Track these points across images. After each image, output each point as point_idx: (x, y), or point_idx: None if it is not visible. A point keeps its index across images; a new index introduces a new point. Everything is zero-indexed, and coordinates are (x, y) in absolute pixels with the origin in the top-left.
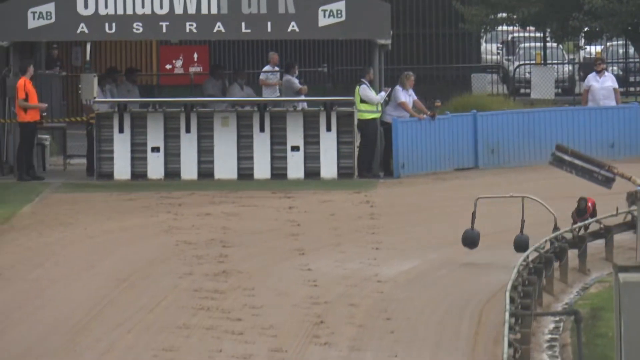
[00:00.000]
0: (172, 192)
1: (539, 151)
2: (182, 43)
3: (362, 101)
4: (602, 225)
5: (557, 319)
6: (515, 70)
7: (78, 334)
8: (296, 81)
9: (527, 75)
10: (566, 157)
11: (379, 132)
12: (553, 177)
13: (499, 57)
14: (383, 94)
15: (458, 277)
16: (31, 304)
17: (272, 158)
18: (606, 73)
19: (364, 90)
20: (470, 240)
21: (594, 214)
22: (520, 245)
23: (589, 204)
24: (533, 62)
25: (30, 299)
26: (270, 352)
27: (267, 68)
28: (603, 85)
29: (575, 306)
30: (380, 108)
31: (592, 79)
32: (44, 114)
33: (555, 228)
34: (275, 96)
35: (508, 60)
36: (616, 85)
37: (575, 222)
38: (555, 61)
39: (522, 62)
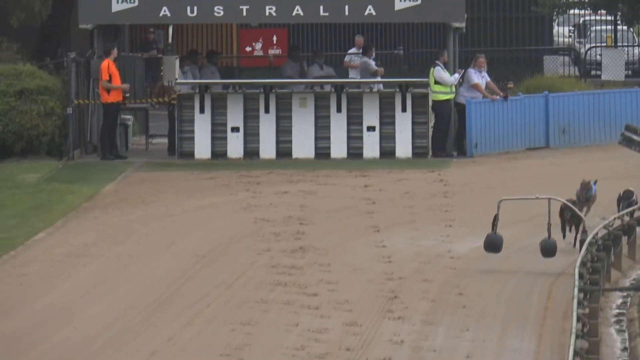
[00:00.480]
0: (251, 171)
1: (608, 131)
2: (262, 26)
3: (436, 83)
4: None
5: (625, 294)
6: (586, 52)
7: (158, 309)
8: (373, 63)
9: (598, 57)
10: (635, 137)
11: (453, 113)
12: (622, 157)
13: (570, 39)
14: (457, 76)
15: (528, 254)
16: (113, 280)
17: (349, 138)
18: None
19: (438, 72)
20: (493, 245)
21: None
22: (548, 250)
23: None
24: (604, 44)
25: (112, 275)
26: (345, 326)
27: (352, 51)
28: None
29: None
30: (453, 89)
31: None
32: (127, 94)
33: (583, 232)
34: (359, 78)
35: (579, 42)
36: None
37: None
38: (626, 44)
39: (593, 45)
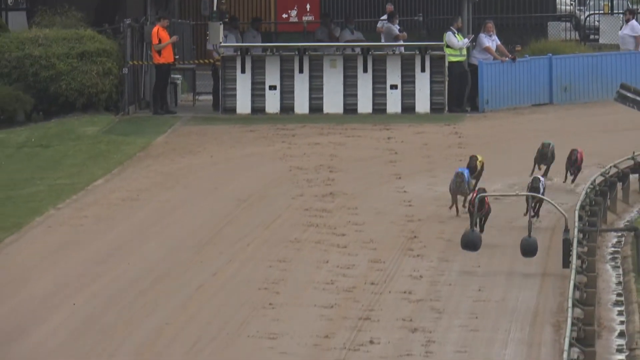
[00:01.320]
0: (287, 124)
1: (605, 89)
2: None
3: (447, 46)
4: None
5: (620, 234)
6: (585, 19)
7: (203, 248)
8: (396, 29)
9: (596, 23)
10: (629, 94)
11: (467, 73)
12: (617, 112)
13: (572, 7)
14: (466, 41)
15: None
16: (163, 221)
17: (374, 95)
18: (630, 22)
19: (449, 36)
20: (471, 243)
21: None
22: (528, 249)
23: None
24: (601, 11)
25: (163, 217)
26: (370, 263)
27: (384, 17)
28: (623, 32)
29: (636, 223)
30: (463, 52)
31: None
32: (177, 56)
33: (566, 230)
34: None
35: (580, 10)
36: (634, 33)
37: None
38: (621, 11)
39: (592, 12)
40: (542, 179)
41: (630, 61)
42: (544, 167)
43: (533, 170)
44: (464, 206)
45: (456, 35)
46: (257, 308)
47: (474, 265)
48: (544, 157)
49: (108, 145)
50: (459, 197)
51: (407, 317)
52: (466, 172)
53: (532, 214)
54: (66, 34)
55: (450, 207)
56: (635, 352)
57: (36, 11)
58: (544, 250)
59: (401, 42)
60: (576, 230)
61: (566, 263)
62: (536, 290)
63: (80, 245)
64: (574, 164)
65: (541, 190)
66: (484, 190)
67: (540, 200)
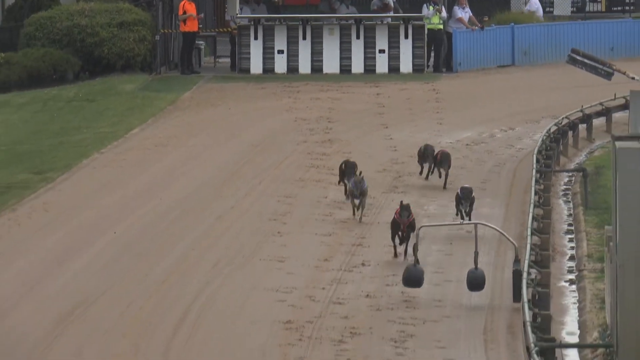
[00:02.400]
0: (292, 82)
1: (559, 53)
2: None
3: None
4: (604, 107)
5: (571, 174)
6: None
7: (223, 185)
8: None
9: None
10: (578, 57)
11: (443, 39)
12: (568, 72)
13: None
14: (432, 12)
15: (499, 143)
16: (189, 163)
17: (365, 58)
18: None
19: (423, 9)
20: (415, 279)
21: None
22: (475, 283)
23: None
24: None
25: (189, 160)
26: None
27: None
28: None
29: (584, 165)
30: (439, 21)
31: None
32: (201, 25)
33: (516, 260)
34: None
35: None
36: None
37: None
38: None
39: None
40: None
41: (580, 29)
42: (426, 167)
43: (422, 171)
44: (361, 217)
45: (429, 7)
46: (267, 236)
47: (449, 200)
48: (427, 156)
49: (143, 100)
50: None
51: (392, 243)
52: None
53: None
54: (108, 7)
55: (354, 207)
56: (583, 273)
57: None
58: (507, 189)
59: (390, 14)
60: (534, 171)
61: (517, 296)
62: (501, 222)
63: (120, 183)
64: (435, 161)
65: (472, 194)
66: (409, 211)
67: (471, 205)
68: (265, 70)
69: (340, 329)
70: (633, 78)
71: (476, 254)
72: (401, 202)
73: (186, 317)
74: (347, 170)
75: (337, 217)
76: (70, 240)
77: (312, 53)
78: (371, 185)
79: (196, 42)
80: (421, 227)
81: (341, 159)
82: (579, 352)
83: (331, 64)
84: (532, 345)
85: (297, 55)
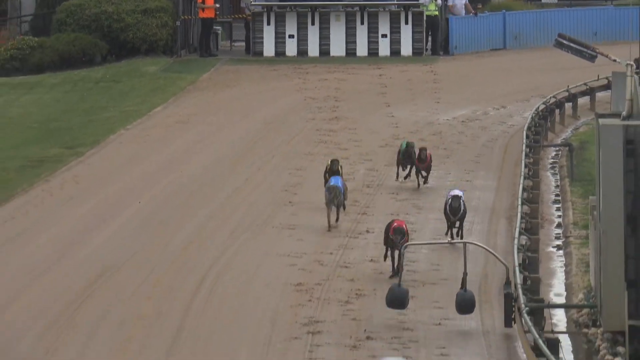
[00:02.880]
0: (302, 64)
1: (547, 37)
2: None
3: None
4: (588, 87)
5: (558, 149)
6: None
7: (239, 159)
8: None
9: None
10: (565, 42)
11: (439, 25)
12: (555, 55)
13: None
14: (427, 0)
15: (492, 120)
16: (208, 139)
17: (369, 42)
18: None
19: None
20: (399, 301)
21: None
22: (464, 306)
23: (428, 155)
24: None
25: (207, 136)
26: (367, 170)
27: None
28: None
29: (570, 140)
30: (435, 8)
31: None
32: (218, 12)
33: (507, 282)
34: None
35: None
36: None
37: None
38: None
39: None
40: (461, 195)
41: (566, 15)
42: (408, 168)
43: (398, 174)
44: (336, 220)
45: None
46: (279, 205)
47: (446, 172)
48: (409, 157)
49: (165, 80)
50: (333, 208)
51: (395, 212)
52: (339, 182)
53: (456, 237)
54: None
55: (329, 218)
56: (569, 239)
57: None
58: (499, 162)
59: (394, 1)
60: (524, 145)
61: (508, 321)
62: (493, 193)
63: (144, 157)
64: (421, 162)
65: (462, 209)
66: (402, 234)
67: (462, 220)
68: (277, 54)
69: (346, 291)
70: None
71: (465, 274)
72: (393, 224)
73: (204, 281)
74: (331, 171)
75: None
76: (98, 210)
77: (320, 37)
78: (374, 159)
79: (213, 27)
80: (406, 244)
81: (347, 135)
82: (566, 312)
83: (338, 47)
84: (523, 305)
85: (307, 40)
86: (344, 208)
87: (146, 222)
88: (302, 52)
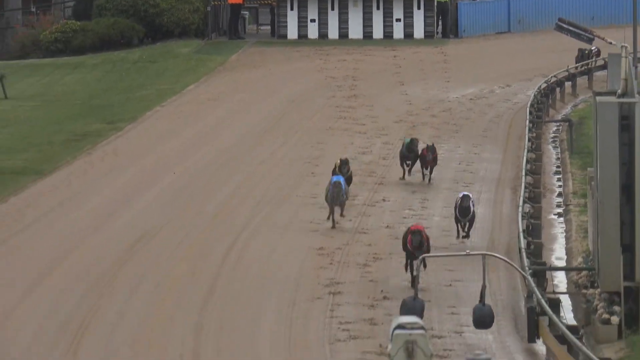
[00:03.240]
0: (323, 47)
1: (548, 21)
2: None
3: None
4: (585, 67)
5: (558, 124)
6: None
7: (264, 134)
8: None
9: None
10: (564, 25)
11: (448, 10)
12: (556, 38)
13: None
14: None
15: (498, 98)
16: (236, 115)
17: (384, 26)
18: None
19: None
20: (412, 311)
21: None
22: (481, 321)
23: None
24: None
25: (236, 112)
26: (382, 144)
27: None
28: None
29: (569, 116)
30: None
31: None
32: None
33: (529, 296)
34: None
35: None
36: None
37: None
38: None
39: None
40: (471, 196)
41: (565, 1)
42: (410, 164)
43: (404, 173)
44: (342, 215)
45: None
46: (302, 176)
47: (456, 145)
48: (413, 153)
49: (197, 61)
50: (336, 207)
51: (409, 181)
52: (342, 180)
53: (463, 234)
54: None
55: (328, 218)
56: (569, 207)
57: None
58: (505, 136)
59: None
60: (527, 121)
61: (532, 337)
62: (499, 164)
63: (178, 132)
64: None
65: (472, 210)
66: (424, 245)
67: (471, 222)
68: (299, 36)
69: (364, 255)
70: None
71: (484, 287)
72: (410, 229)
73: (234, 245)
74: (341, 167)
75: (361, 160)
76: (136, 180)
77: (340, 21)
78: (390, 134)
79: (241, 12)
80: (423, 256)
81: (364, 111)
82: (566, 274)
83: (355, 30)
84: (527, 268)
85: (327, 24)
86: (342, 209)
87: (180, 191)
88: (323, 35)
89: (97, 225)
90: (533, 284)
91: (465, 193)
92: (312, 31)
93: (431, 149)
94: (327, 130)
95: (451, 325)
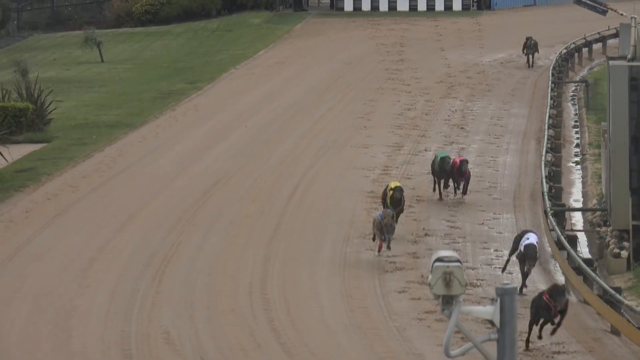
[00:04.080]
0: (374, 17)
1: None
2: None
3: None
4: (600, 35)
5: (577, 84)
6: None
7: (324, 92)
8: None
9: None
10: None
11: None
12: (577, 10)
13: None
14: None
15: (525, 62)
16: (300, 76)
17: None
18: None
19: None
20: None
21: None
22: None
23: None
24: None
25: (300, 74)
26: (425, 102)
27: None
28: None
29: (586, 77)
30: None
31: None
32: None
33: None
34: None
35: None
36: None
37: None
38: None
39: None
40: (536, 243)
41: None
42: (443, 182)
43: (434, 187)
44: (388, 248)
45: None
46: (356, 129)
47: (488, 103)
48: (444, 170)
49: (266, 30)
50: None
51: (447, 134)
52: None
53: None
54: None
55: (374, 239)
56: (585, 156)
57: None
58: (530, 95)
59: None
60: (550, 82)
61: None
62: (525, 119)
63: (250, 90)
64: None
65: (536, 256)
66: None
67: (533, 263)
68: (355, 9)
69: (409, 197)
70: (622, 14)
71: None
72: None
73: (297, 187)
74: (392, 199)
75: (407, 115)
76: (213, 132)
77: None
78: (431, 93)
79: None
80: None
81: (410, 73)
82: (582, 215)
83: (403, 3)
84: (548, 209)
85: None
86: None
87: (251, 141)
88: (375, 7)
89: (179, 171)
90: (543, 182)
91: (531, 241)
92: (366, 4)
93: (464, 164)
94: (378, 89)
95: (483, 258)
